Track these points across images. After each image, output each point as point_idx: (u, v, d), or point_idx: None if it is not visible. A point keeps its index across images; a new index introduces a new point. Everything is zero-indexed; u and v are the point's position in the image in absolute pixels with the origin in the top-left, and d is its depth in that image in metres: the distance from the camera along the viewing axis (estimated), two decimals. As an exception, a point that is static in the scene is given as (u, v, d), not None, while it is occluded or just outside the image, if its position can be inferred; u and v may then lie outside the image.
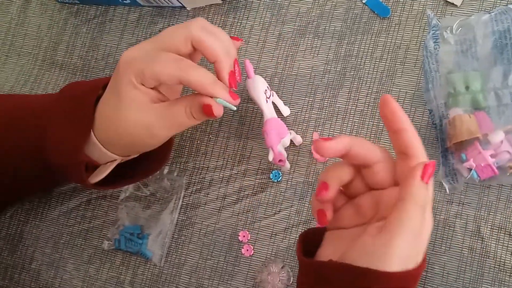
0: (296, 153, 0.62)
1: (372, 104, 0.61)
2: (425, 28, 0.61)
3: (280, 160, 0.58)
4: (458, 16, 0.60)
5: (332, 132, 0.62)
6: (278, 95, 0.63)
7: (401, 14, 0.63)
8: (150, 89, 0.48)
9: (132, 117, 0.48)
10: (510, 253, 0.55)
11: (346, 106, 0.62)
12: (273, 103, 0.61)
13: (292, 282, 0.59)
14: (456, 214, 0.57)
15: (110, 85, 0.49)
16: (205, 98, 0.47)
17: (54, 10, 0.74)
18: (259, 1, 0.67)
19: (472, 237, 0.56)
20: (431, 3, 0.62)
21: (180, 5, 0.68)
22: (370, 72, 0.62)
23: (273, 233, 0.60)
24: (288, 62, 0.64)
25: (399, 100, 0.61)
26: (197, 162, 0.64)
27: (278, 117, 0.59)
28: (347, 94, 0.62)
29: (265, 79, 0.60)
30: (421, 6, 0.62)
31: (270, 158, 0.57)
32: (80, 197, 0.66)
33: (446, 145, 0.56)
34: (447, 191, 0.57)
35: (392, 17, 0.63)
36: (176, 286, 0.62)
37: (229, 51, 0.48)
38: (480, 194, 0.57)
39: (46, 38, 0.73)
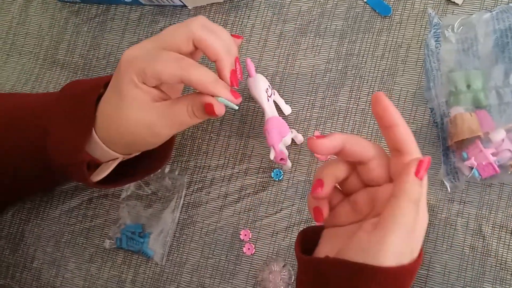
0: (298, 152, 0.62)
1: (373, 102, 0.61)
2: (427, 26, 0.61)
3: (281, 159, 0.58)
4: (459, 15, 0.60)
5: (333, 131, 0.62)
6: (279, 94, 0.63)
7: (402, 13, 0.63)
8: (152, 88, 0.48)
9: (133, 116, 0.48)
10: (511, 251, 0.55)
11: (348, 105, 0.62)
12: (275, 102, 0.61)
13: (293, 280, 0.59)
14: (458, 212, 0.57)
15: (112, 84, 0.49)
16: (207, 97, 0.47)
17: (55, 9, 0.74)
18: (260, 0, 0.67)
19: (473, 236, 0.56)
20: (433, 2, 0.62)
21: (182, 4, 0.68)
22: (371, 71, 0.62)
23: (275, 232, 0.61)
24: (289, 61, 0.64)
25: (400, 98, 0.61)
26: (198, 161, 0.64)
27: (280, 116, 0.59)
28: (348, 93, 0.62)
29: (266, 78, 0.60)
30: (422, 4, 0.62)
31: (272, 156, 0.57)
32: (81, 196, 0.66)
33: (447, 144, 0.56)
34: (449, 189, 0.57)
35: (393, 16, 0.63)
36: (178, 285, 0.62)
37: (230, 49, 0.48)
38: (482, 192, 0.57)
39: (47, 37, 0.73)
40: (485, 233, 0.56)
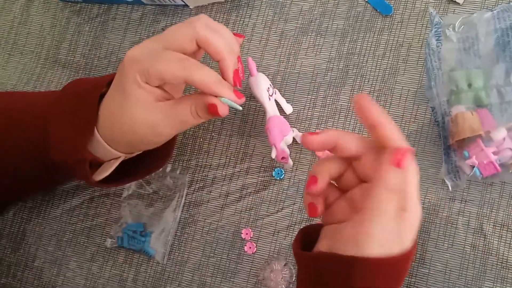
0: (299, 151, 0.62)
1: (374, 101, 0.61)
2: (428, 26, 0.62)
3: (283, 158, 0.58)
4: (460, 14, 0.60)
5: (334, 130, 0.62)
6: (280, 93, 0.63)
7: (404, 12, 0.63)
8: (155, 87, 0.48)
9: (137, 115, 0.48)
10: (512, 250, 0.55)
11: (349, 104, 0.62)
12: (276, 101, 0.61)
13: (294, 279, 0.59)
14: (459, 211, 0.57)
15: (115, 83, 0.49)
16: (210, 97, 0.47)
17: (56, 9, 0.74)
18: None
19: (474, 234, 0.56)
20: (434, 1, 0.62)
21: (183, 3, 0.68)
22: (372, 70, 0.62)
23: (276, 231, 0.61)
24: (291, 60, 0.65)
25: (401, 97, 0.61)
26: (199, 160, 0.64)
27: (281, 115, 0.60)
28: (349, 92, 0.62)
29: (267, 77, 0.60)
30: (424, 4, 0.62)
31: (273, 155, 0.57)
32: (82, 195, 0.66)
33: (448, 143, 0.56)
34: (450, 188, 0.57)
35: (394, 15, 0.63)
36: (179, 283, 0.62)
37: (233, 48, 0.48)
38: (483, 191, 0.57)
39: (49, 36, 0.73)
40: (486, 232, 0.56)
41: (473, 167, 0.54)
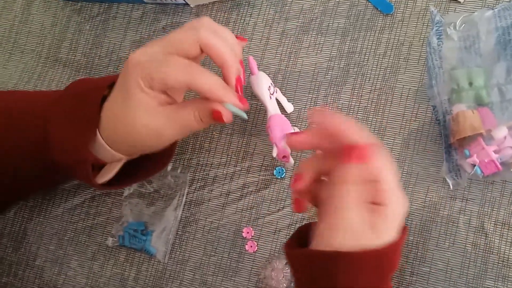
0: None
1: (375, 100, 0.61)
2: (429, 24, 0.62)
3: (284, 156, 0.58)
4: (461, 13, 0.60)
5: (335, 129, 0.62)
6: (281, 92, 0.63)
7: (404, 11, 0.63)
8: (158, 92, 0.48)
9: (140, 119, 0.48)
10: (513, 248, 0.55)
11: (350, 103, 0.62)
12: (277, 100, 0.61)
13: (296, 278, 0.59)
14: (460, 210, 0.57)
15: (118, 86, 0.49)
16: (215, 104, 0.47)
17: (57, 8, 0.74)
18: (262, -2, 0.67)
19: (475, 233, 0.56)
20: (435, 0, 0.62)
21: (184, 2, 0.68)
22: (373, 68, 0.62)
23: (277, 230, 0.61)
24: (292, 59, 0.65)
25: (402, 96, 0.61)
26: (200, 158, 0.64)
27: (282, 113, 0.60)
28: (350, 91, 0.62)
29: (268, 76, 0.60)
30: (424, 2, 0.62)
31: (274, 154, 0.57)
32: (84, 194, 0.66)
33: (449, 141, 0.56)
34: (451, 187, 0.57)
35: (395, 14, 0.63)
36: (180, 282, 0.62)
37: (235, 52, 0.48)
38: (484, 190, 0.57)
39: (50, 35, 0.73)
40: (487, 231, 0.56)
41: (474, 165, 0.54)
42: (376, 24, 0.63)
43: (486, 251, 0.56)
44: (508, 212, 0.56)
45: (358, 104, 0.62)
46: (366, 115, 0.61)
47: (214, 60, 0.47)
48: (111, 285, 0.63)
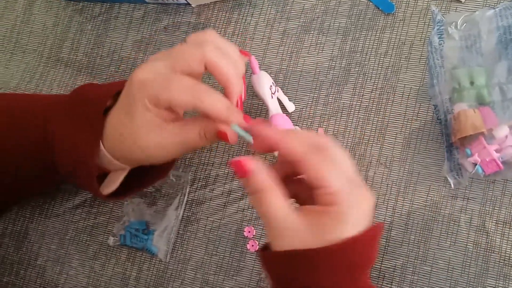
0: (301, 149, 0.62)
1: (377, 100, 0.61)
2: (430, 24, 0.62)
3: (285, 156, 0.58)
4: (462, 12, 0.60)
5: (337, 128, 0.62)
6: (283, 91, 0.63)
7: (406, 10, 0.63)
8: (162, 109, 0.48)
9: (146, 137, 0.48)
10: (515, 247, 0.55)
11: (351, 102, 0.62)
12: (278, 99, 0.61)
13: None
14: (461, 209, 0.57)
15: (122, 104, 0.49)
16: (221, 125, 0.47)
17: (59, 8, 0.74)
18: (263, -2, 0.67)
19: (477, 232, 0.56)
20: (436, -1, 0.62)
21: (185, 2, 0.68)
22: (375, 68, 0.62)
23: (278, 229, 0.61)
24: (293, 59, 0.65)
25: (403, 95, 0.61)
26: (202, 158, 0.64)
27: (283, 113, 0.60)
28: (352, 90, 0.62)
29: (270, 75, 0.60)
30: (426, 2, 0.62)
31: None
32: (85, 193, 0.66)
33: (451, 140, 0.56)
34: (452, 186, 0.57)
35: (396, 13, 0.63)
36: (182, 281, 0.62)
37: (239, 69, 0.48)
38: (485, 189, 0.57)
39: (51, 35, 0.73)
40: (489, 229, 0.56)
41: (475, 164, 0.54)
42: (377, 23, 0.63)
43: (488, 250, 0.56)
44: (509, 211, 0.56)
45: (359, 103, 0.62)
46: (367, 115, 0.61)
47: (217, 79, 0.47)
48: (113, 285, 0.63)
